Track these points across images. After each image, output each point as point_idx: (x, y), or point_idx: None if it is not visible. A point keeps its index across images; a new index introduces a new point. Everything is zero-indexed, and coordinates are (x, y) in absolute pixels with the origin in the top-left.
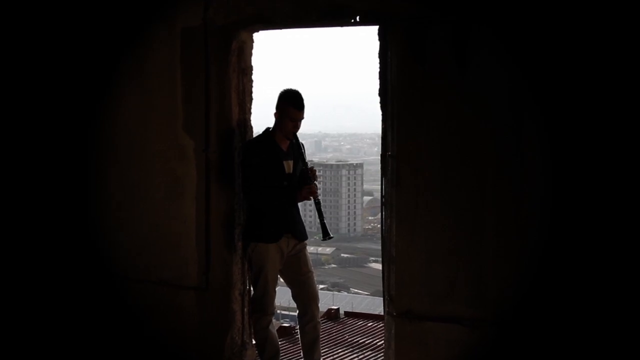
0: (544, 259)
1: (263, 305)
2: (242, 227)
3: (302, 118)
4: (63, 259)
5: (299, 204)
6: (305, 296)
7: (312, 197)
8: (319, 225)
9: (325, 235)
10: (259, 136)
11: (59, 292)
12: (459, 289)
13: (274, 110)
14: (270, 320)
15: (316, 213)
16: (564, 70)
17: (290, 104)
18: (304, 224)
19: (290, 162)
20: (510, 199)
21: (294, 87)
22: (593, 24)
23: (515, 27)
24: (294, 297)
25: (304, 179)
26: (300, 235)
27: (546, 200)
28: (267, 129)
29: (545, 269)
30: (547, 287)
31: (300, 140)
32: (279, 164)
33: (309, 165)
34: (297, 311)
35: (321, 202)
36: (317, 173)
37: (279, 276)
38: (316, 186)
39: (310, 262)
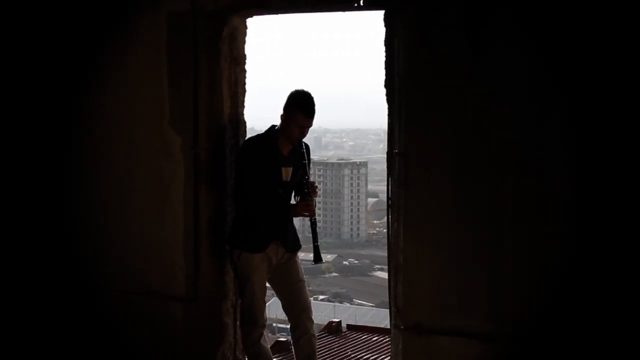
0: (569, 271)
1: (252, 316)
2: (228, 230)
3: (311, 125)
4: (37, 268)
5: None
6: (295, 307)
7: (308, 215)
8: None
9: (317, 260)
10: (261, 135)
11: (31, 306)
12: (472, 301)
13: (281, 112)
14: (262, 333)
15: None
16: (595, 58)
17: (300, 110)
18: (297, 231)
19: (290, 169)
20: (532, 203)
21: (305, 89)
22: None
23: (537, 10)
24: (284, 308)
25: (301, 192)
26: (292, 247)
27: (573, 205)
28: (273, 126)
29: (570, 282)
30: (571, 302)
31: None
32: (276, 169)
33: (311, 177)
34: (289, 324)
35: (317, 222)
36: (317, 187)
37: (269, 285)
38: (315, 203)
39: (302, 270)
